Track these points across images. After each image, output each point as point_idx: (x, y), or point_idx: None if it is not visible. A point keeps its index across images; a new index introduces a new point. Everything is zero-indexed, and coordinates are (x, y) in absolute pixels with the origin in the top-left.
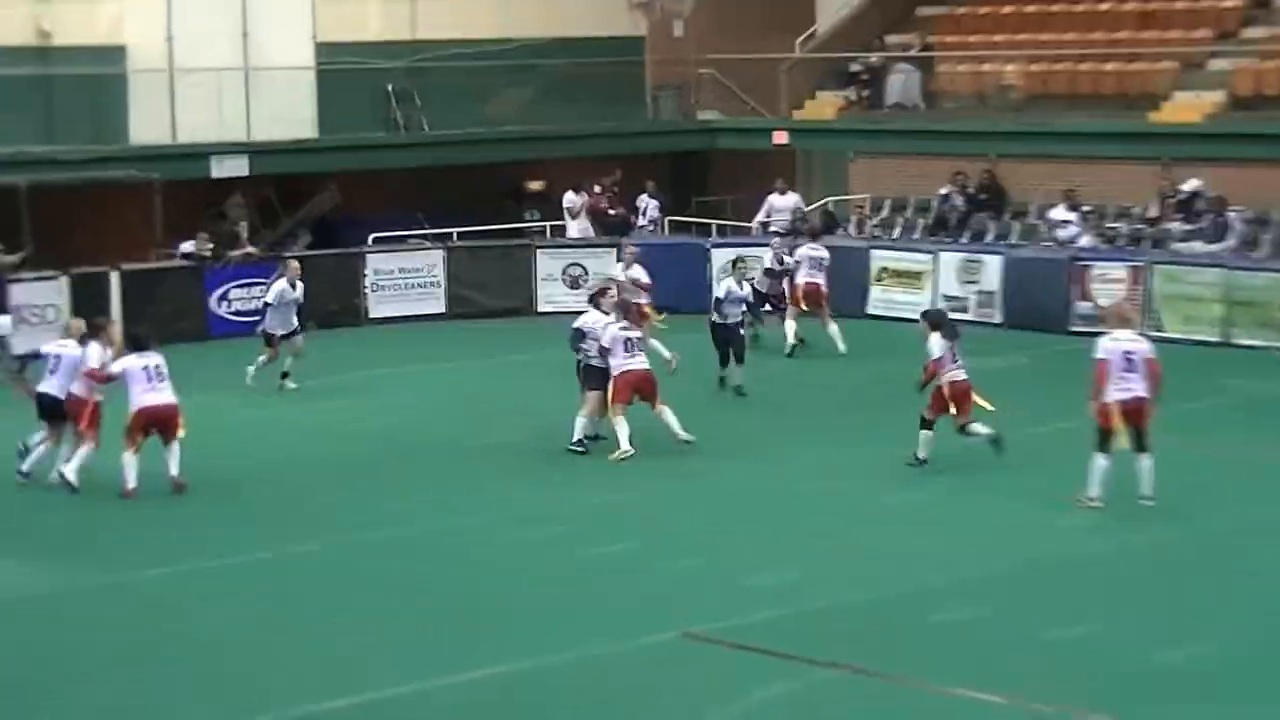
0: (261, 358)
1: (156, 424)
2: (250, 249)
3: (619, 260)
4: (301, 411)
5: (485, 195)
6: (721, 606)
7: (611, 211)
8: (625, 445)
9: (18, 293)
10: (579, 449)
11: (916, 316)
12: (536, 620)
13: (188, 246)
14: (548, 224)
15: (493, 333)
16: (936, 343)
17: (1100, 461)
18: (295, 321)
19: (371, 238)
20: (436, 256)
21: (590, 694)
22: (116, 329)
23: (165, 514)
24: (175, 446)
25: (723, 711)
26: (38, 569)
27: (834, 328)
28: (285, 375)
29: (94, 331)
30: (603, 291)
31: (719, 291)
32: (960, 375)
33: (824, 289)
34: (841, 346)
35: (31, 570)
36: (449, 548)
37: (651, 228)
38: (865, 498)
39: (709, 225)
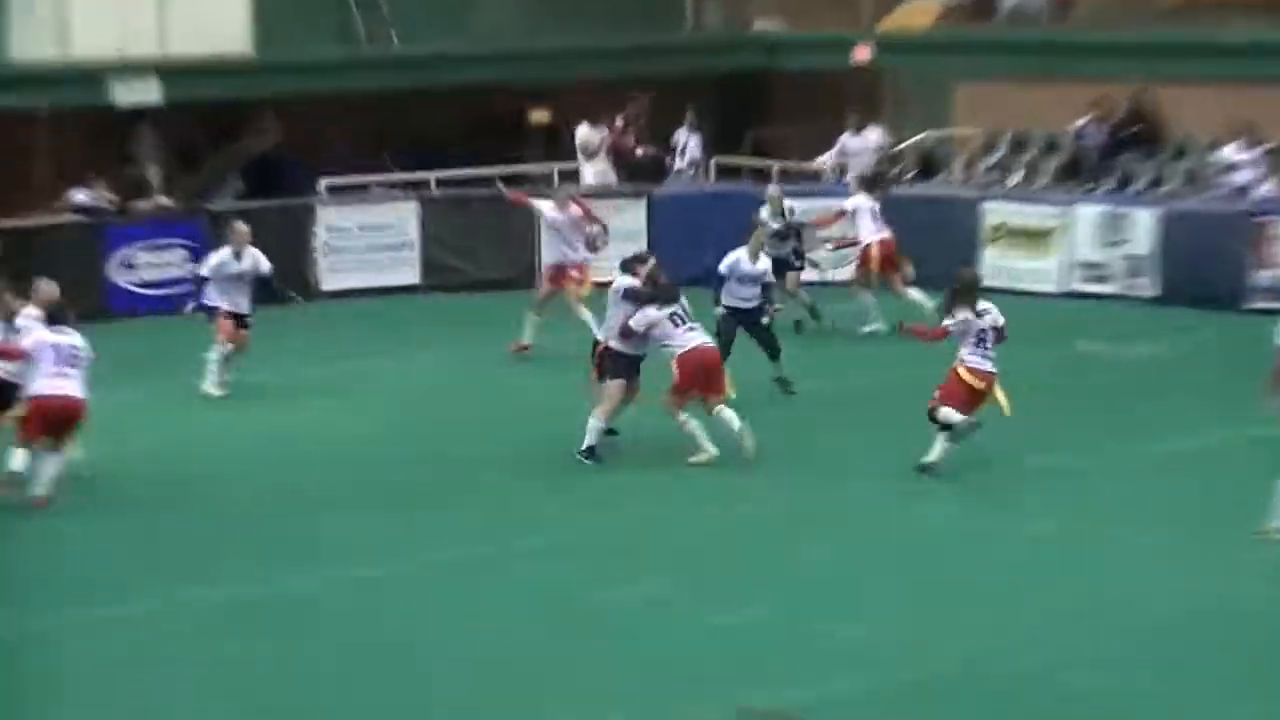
0: (217, 349)
1: (56, 421)
2: (163, 200)
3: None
4: (234, 419)
5: (473, 131)
6: (788, 671)
7: (639, 151)
8: (708, 446)
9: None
10: (589, 458)
11: (1042, 288)
12: (546, 686)
13: (82, 197)
14: (555, 167)
15: (483, 311)
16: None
17: None
18: (246, 304)
19: (324, 185)
20: (409, 210)
21: None
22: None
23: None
24: (62, 454)
25: None
26: None
27: (917, 293)
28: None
29: None
30: (640, 259)
31: (723, 266)
32: (987, 366)
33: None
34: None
35: None
36: (430, 593)
37: (691, 171)
38: (974, 526)
39: (766, 169)
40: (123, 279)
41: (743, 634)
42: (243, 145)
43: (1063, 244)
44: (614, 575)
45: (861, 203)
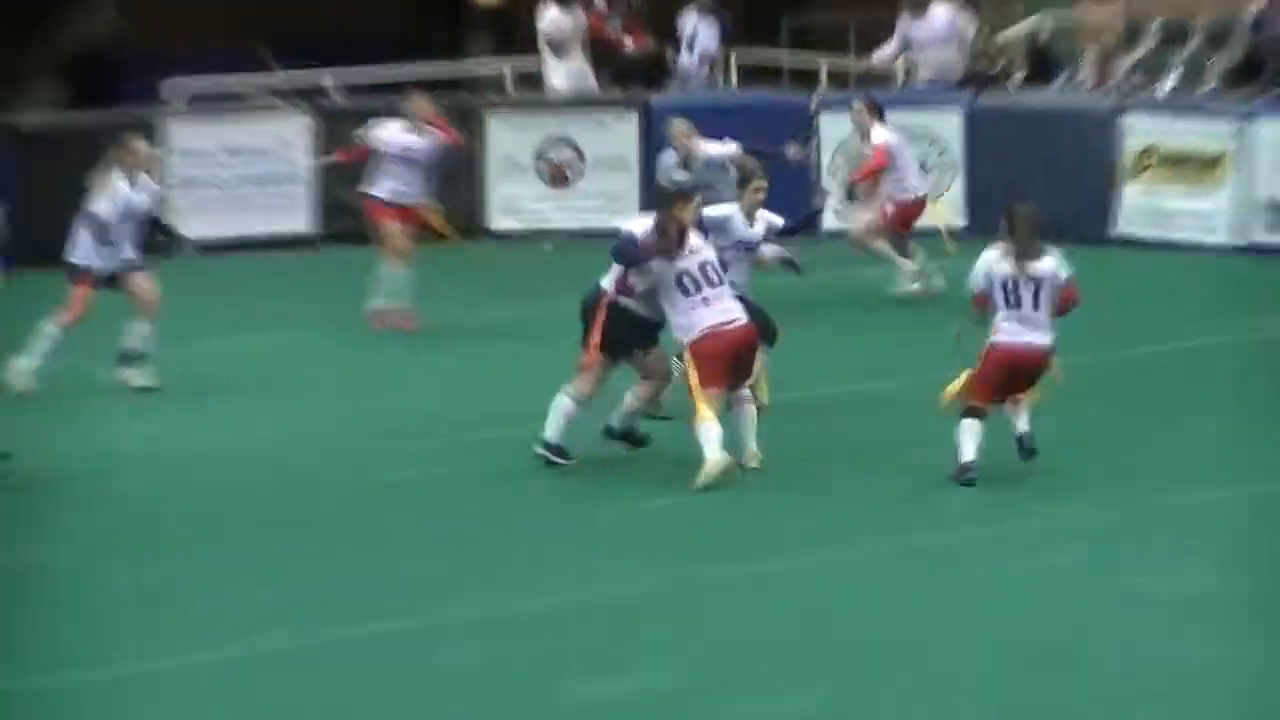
0: (52, 323)
1: None
2: None
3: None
4: (57, 420)
5: (391, 14)
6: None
7: (630, 43)
8: (717, 454)
9: None
10: (555, 456)
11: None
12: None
13: None
14: (507, 66)
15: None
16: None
17: None
18: (128, 251)
19: (174, 89)
20: (297, 127)
21: None
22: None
23: None
24: None
25: None
26: None
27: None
28: (130, 358)
29: None
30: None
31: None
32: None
33: None
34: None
35: None
36: (355, 678)
37: (704, 70)
38: (1097, 580)
39: (811, 71)
40: None
41: None
42: (66, 35)
43: (1238, 176)
44: (598, 662)
45: (894, 142)
